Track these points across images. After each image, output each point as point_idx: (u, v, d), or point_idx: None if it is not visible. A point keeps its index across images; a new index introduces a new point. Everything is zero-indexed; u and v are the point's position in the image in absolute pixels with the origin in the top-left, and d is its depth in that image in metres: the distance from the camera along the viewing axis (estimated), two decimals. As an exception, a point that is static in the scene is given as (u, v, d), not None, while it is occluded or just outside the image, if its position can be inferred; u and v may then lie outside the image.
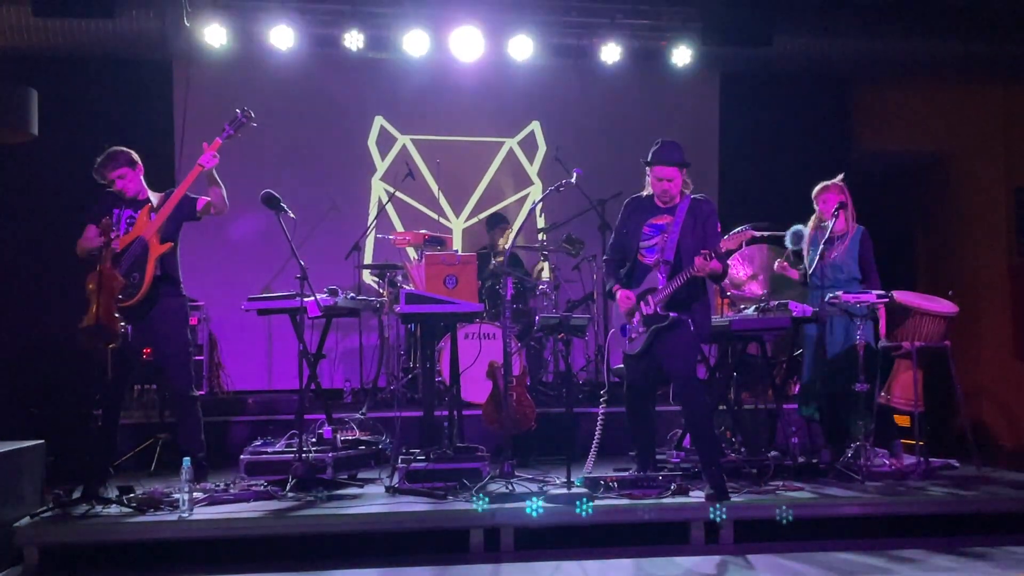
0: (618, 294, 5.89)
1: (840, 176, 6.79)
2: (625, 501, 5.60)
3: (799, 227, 6.93)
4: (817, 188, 6.82)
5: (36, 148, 8.37)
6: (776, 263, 7.01)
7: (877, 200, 6.91)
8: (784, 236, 7.10)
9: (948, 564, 5.10)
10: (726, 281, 6.94)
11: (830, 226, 6.60)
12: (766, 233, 7.03)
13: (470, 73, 9.42)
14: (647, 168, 5.89)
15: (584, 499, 5.40)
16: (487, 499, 5.49)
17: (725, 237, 5.79)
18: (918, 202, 10.54)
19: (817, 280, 6.59)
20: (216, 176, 6.13)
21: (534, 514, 5.39)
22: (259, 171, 8.80)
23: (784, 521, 5.47)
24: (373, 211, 9.77)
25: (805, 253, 6.85)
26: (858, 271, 6.68)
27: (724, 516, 5.42)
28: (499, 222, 9.22)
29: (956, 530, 5.63)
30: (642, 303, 5.75)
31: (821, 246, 6.57)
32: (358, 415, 7.05)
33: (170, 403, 6.76)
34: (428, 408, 6.61)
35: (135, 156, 6.22)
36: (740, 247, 6.49)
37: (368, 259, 9.62)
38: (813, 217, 6.87)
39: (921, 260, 10.48)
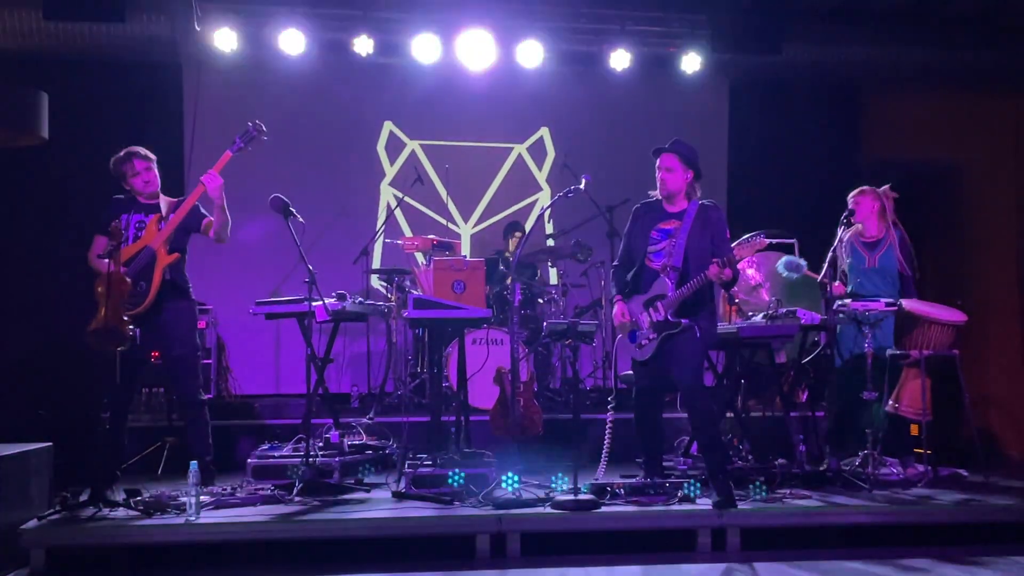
0: (616, 306, 5.91)
1: (883, 188, 6.78)
2: (632, 508, 5.59)
3: (791, 258, 6.91)
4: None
5: (46, 151, 8.39)
6: (832, 286, 6.90)
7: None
8: (793, 243, 7.10)
9: (955, 573, 5.08)
10: (735, 288, 6.92)
11: (836, 236, 6.63)
12: (776, 240, 7.03)
13: (479, 79, 9.43)
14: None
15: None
16: (493, 504, 5.56)
17: (737, 244, 5.79)
18: (927, 211, 10.50)
19: (866, 283, 6.61)
20: (224, 205, 6.13)
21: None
22: (268, 175, 8.80)
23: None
24: (382, 216, 9.79)
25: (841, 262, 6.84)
26: (894, 276, 6.69)
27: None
28: (513, 229, 9.21)
29: (963, 539, 5.61)
30: (651, 310, 5.75)
31: (858, 251, 6.62)
32: (365, 420, 7.06)
33: (178, 406, 6.76)
34: (435, 413, 6.61)
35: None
36: (752, 255, 6.47)
37: (376, 264, 9.64)
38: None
39: (930, 269, 10.44)
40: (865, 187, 6.80)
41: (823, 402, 7.14)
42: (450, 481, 5.85)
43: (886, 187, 6.80)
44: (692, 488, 5.69)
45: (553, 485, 5.82)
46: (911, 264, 6.74)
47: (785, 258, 6.94)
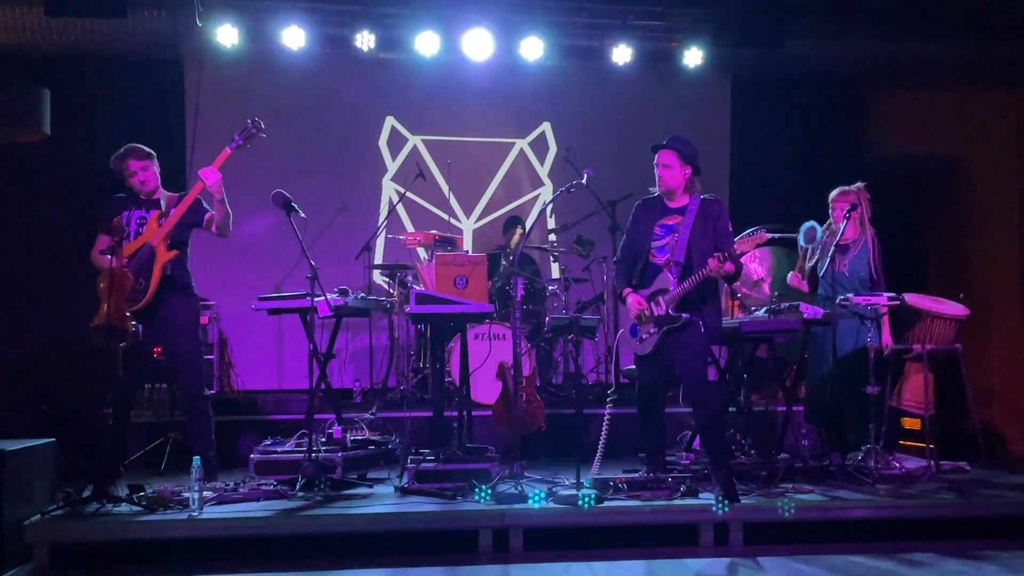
0: (629, 299, 5.89)
1: (859, 184, 6.76)
2: (634, 502, 5.60)
3: (812, 223, 6.89)
4: (833, 192, 6.79)
5: (49, 148, 8.41)
6: (790, 276, 6.93)
7: (888, 203, 6.89)
8: (796, 237, 7.07)
9: (958, 568, 5.08)
10: (737, 283, 6.93)
11: (840, 231, 6.58)
12: (778, 235, 7.02)
13: (481, 74, 9.43)
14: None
15: (587, 494, 5.47)
16: (495, 498, 5.57)
17: (739, 239, 5.79)
18: (929, 205, 10.51)
19: (827, 287, 6.55)
20: (224, 199, 6.12)
21: (536, 506, 5.44)
22: (270, 171, 8.81)
23: (786, 513, 5.47)
24: (383, 211, 9.78)
25: (810, 256, 6.82)
26: (868, 278, 6.66)
27: (726, 508, 5.43)
28: (513, 224, 9.21)
29: (966, 533, 5.62)
30: (653, 304, 5.76)
31: (831, 252, 6.56)
32: (368, 415, 7.06)
33: (180, 402, 6.77)
34: (438, 408, 6.62)
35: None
36: (753, 249, 6.46)
37: (378, 259, 9.63)
38: (828, 222, 6.84)
39: (932, 263, 10.44)
40: (845, 188, 6.77)
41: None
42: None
43: (860, 185, 6.75)
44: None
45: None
46: (879, 268, 6.69)
47: (806, 224, 6.91)
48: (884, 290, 6.60)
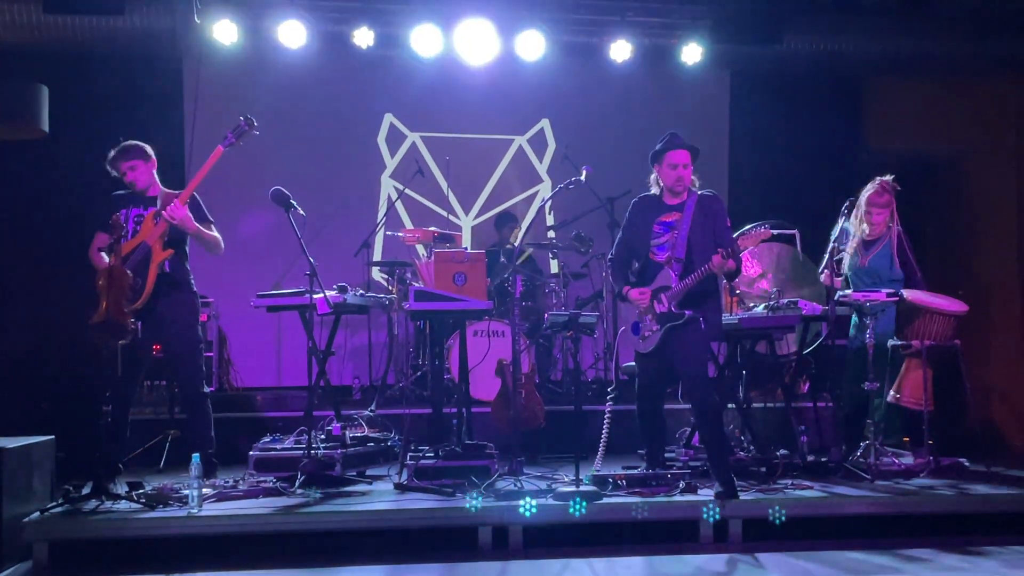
0: (631, 293, 5.86)
1: (889, 176, 6.75)
2: (634, 499, 5.59)
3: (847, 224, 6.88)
4: (868, 192, 6.75)
5: (47, 145, 8.40)
6: (823, 276, 6.87)
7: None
8: (794, 234, 7.09)
9: (957, 563, 5.09)
10: (737, 279, 6.92)
11: (866, 229, 6.60)
12: (777, 232, 7.01)
13: (480, 71, 9.39)
14: (655, 164, 5.89)
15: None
16: (495, 496, 5.56)
17: (741, 235, 5.79)
18: (928, 201, 10.48)
19: (858, 281, 6.57)
20: (197, 231, 6.10)
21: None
22: (268, 168, 8.80)
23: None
24: (382, 208, 9.78)
25: (837, 252, 6.78)
26: (895, 274, 6.66)
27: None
28: (508, 221, 9.22)
29: (965, 529, 5.62)
30: (655, 301, 5.75)
31: (855, 249, 6.59)
32: (367, 412, 7.06)
33: (180, 399, 6.77)
34: (437, 405, 6.62)
35: (149, 150, 6.28)
36: (757, 245, 6.46)
37: (377, 256, 9.64)
38: (858, 218, 6.80)
39: (931, 259, 10.42)
40: (883, 184, 6.72)
41: (825, 392, 7.13)
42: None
43: (889, 179, 6.75)
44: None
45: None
46: (912, 261, 6.70)
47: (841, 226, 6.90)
48: (920, 282, 6.64)
